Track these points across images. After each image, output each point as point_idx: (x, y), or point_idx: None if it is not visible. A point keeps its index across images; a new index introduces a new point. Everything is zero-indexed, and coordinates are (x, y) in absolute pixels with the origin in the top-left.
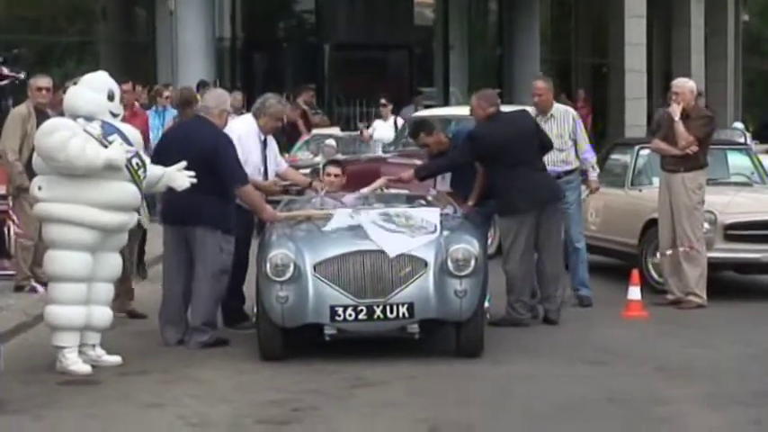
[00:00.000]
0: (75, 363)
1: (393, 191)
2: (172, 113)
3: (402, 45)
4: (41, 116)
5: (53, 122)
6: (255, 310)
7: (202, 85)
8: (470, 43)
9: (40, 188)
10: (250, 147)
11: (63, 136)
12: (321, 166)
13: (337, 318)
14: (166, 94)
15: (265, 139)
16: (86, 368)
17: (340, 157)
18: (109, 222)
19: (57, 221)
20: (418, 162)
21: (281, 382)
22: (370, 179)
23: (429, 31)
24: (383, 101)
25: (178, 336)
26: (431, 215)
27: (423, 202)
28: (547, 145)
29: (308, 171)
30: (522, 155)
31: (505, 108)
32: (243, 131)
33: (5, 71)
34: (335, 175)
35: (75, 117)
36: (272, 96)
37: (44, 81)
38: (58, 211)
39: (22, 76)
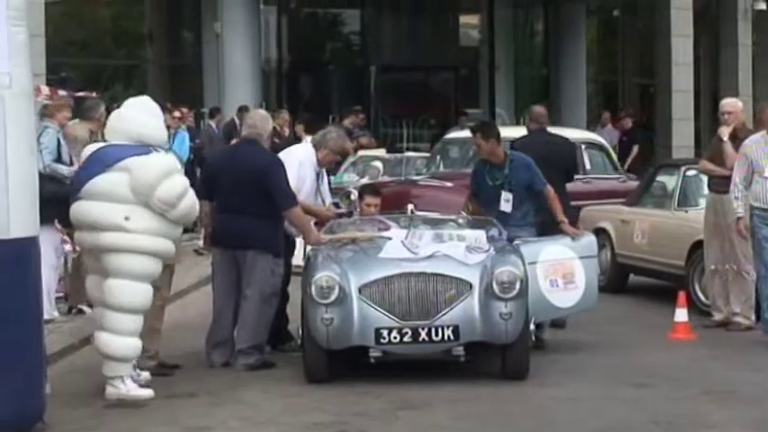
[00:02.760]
0: (135, 389)
1: (427, 213)
2: (182, 136)
3: (448, 66)
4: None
5: (166, 161)
6: (301, 332)
7: (244, 110)
8: (516, 64)
9: (127, 218)
10: (305, 176)
11: (184, 182)
12: (357, 193)
13: (382, 340)
14: (176, 114)
15: (319, 172)
16: (149, 392)
17: (369, 180)
18: (173, 255)
19: (140, 253)
20: (449, 185)
21: (327, 404)
22: (402, 202)
23: (475, 51)
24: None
25: (224, 358)
26: (480, 236)
27: (468, 224)
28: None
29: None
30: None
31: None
32: (303, 159)
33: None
34: (375, 206)
35: (139, 144)
36: (334, 130)
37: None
38: (145, 244)
39: (94, 94)
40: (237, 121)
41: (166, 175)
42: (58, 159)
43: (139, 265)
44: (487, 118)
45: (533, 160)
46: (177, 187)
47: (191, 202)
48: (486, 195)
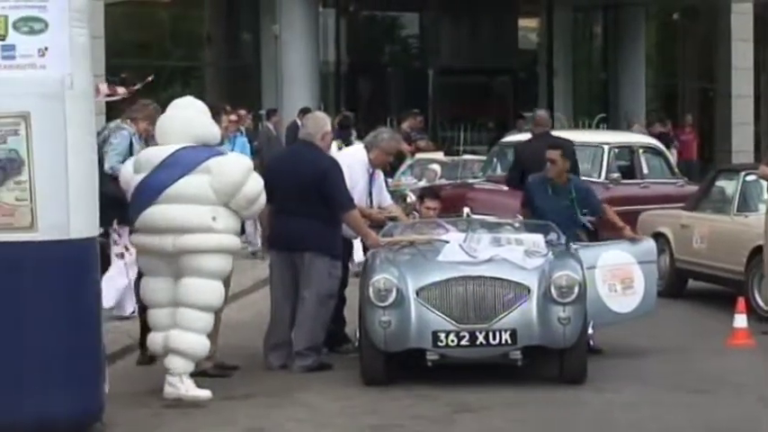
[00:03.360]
0: (194, 388)
1: (484, 217)
2: (242, 141)
3: (506, 69)
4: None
5: (246, 160)
6: (358, 334)
7: (304, 112)
8: (575, 67)
9: (214, 218)
10: (357, 178)
11: (261, 180)
12: (413, 196)
13: (439, 343)
14: (233, 117)
15: (373, 172)
16: (207, 393)
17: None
18: None
19: (221, 252)
20: (505, 188)
21: (384, 406)
22: (458, 205)
23: (533, 55)
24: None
25: (282, 360)
26: (538, 240)
27: (526, 227)
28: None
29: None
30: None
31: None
32: (351, 161)
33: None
34: (434, 209)
35: (201, 144)
36: (386, 131)
37: None
38: (227, 243)
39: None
40: (300, 123)
41: (249, 173)
42: None
43: (219, 265)
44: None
45: (535, 161)
46: (259, 184)
47: (263, 200)
48: (553, 214)
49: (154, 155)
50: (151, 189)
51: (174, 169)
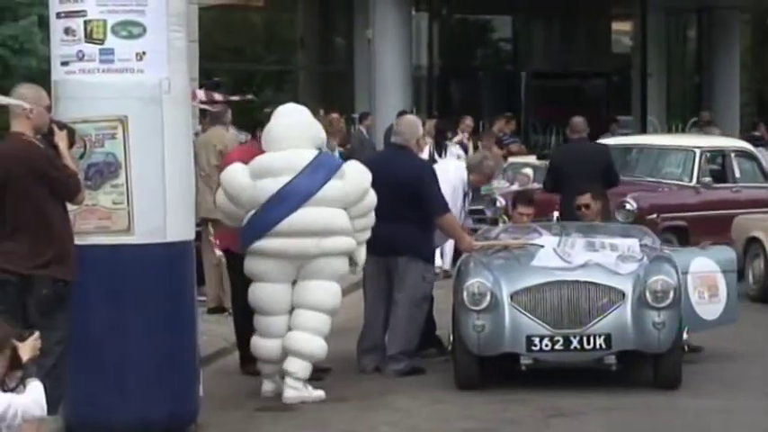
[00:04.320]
0: (313, 390)
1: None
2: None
3: (599, 73)
4: None
5: (366, 168)
6: (451, 338)
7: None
8: (669, 71)
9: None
10: (457, 196)
11: None
12: (503, 200)
13: (533, 348)
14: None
15: (467, 193)
16: (323, 393)
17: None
18: None
19: (346, 255)
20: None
21: (477, 411)
22: (549, 209)
23: (627, 58)
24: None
25: (375, 363)
26: (633, 245)
27: (621, 231)
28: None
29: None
30: (575, 181)
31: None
32: (455, 179)
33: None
34: (528, 215)
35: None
36: (491, 157)
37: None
38: (353, 247)
39: (250, 96)
40: None
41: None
42: None
43: (343, 267)
44: (638, 125)
45: (568, 167)
46: (375, 194)
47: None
48: None
49: (279, 161)
50: (298, 194)
51: (317, 174)
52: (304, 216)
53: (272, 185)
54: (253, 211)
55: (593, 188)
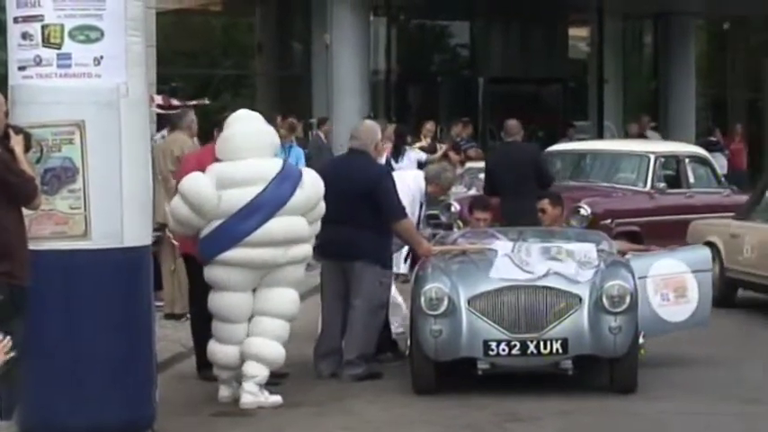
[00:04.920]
0: (270, 395)
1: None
2: (298, 153)
3: (556, 79)
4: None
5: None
6: (408, 343)
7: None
8: (625, 77)
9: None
10: (415, 205)
11: None
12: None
13: (490, 352)
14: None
15: (423, 203)
16: (279, 398)
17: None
18: None
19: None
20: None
21: (434, 416)
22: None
23: (583, 64)
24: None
25: (332, 368)
26: (589, 250)
27: (578, 236)
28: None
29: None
30: (506, 183)
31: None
32: (414, 188)
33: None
34: (484, 220)
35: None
36: (450, 169)
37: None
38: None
39: (206, 101)
40: None
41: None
42: None
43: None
44: (595, 130)
45: (500, 169)
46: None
47: None
48: None
49: (245, 171)
50: (269, 204)
51: (285, 183)
52: (275, 226)
53: (241, 196)
54: (218, 222)
55: (551, 194)
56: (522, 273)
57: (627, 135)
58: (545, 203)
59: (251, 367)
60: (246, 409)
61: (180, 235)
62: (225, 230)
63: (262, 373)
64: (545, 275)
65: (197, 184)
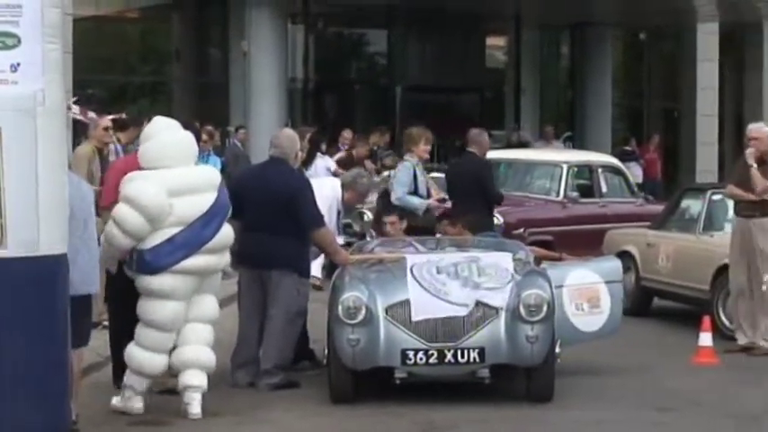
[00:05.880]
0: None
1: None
2: (215, 161)
3: (473, 88)
4: (101, 156)
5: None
6: (326, 352)
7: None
8: (542, 86)
9: None
10: (333, 213)
11: None
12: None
13: (408, 361)
14: (204, 137)
15: (340, 212)
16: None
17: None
18: None
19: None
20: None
21: (352, 424)
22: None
23: (501, 74)
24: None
25: (249, 377)
26: (504, 261)
27: (495, 245)
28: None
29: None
30: (457, 194)
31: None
32: (331, 196)
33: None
34: (392, 223)
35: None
36: (366, 176)
37: (108, 121)
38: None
39: (123, 115)
40: None
41: None
42: (415, 192)
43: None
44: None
45: (454, 179)
46: None
47: None
48: None
49: (196, 178)
50: (223, 210)
51: (224, 188)
52: (225, 232)
53: (198, 203)
54: (174, 230)
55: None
56: (446, 305)
57: (508, 143)
58: (445, 225)
59: (194, 377)
60: (163, 419)
61: (123, 248)
62: (187, 238)
63: (204, 381)
64: (469, 306)
65: (149, 192)
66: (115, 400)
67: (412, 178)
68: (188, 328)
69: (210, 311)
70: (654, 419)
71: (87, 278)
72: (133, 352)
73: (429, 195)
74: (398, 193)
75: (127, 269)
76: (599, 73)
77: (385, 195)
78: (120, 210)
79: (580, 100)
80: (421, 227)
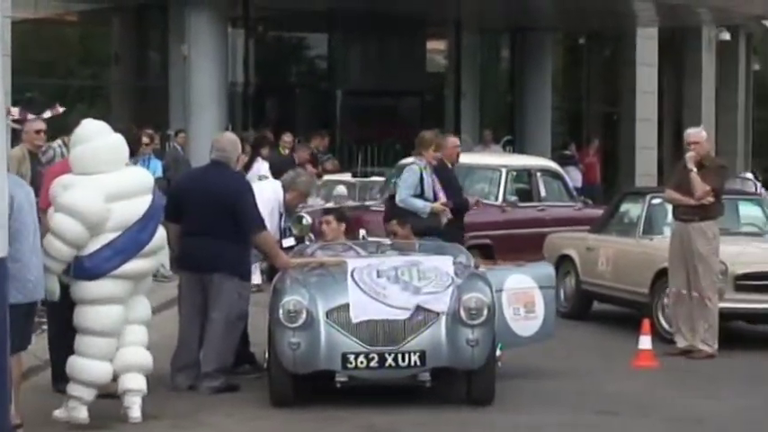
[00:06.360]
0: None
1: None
2: (155, 164)
3: (414, 92)
4: (34, 159)
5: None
6: (267, 355)
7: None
8: (482, 90)
9: None
10: (275, 216)
11: None
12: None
13: (349, 365)
14: (145, 140)
15: (282, 213)
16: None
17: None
18: None
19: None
20: None
21: (293, 428)
22: (355, 228)
23: (441, 77)
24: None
25: (189, 381)
26: (445, 265)
27: (436, 249)
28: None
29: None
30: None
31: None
32: (272, 198)
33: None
34: (327, 222)
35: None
36: (305, 174)
37: (42, 124)
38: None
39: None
40: None
41: None
42: (420, 195)
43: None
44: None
45: None
46: None
47: None
48: None
49: (130, 181)
50: (158, 213)
51: (156, 190)
52: (159, 235)
53: (135, 207)
54: (113, 235)
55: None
56: (386, 309)
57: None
58: (393, 225)
59: (134, 380)
60: (103, 423)
61: (64, 259)
62: (126, 243)
63: (143, 384)
64: (409, 310)
65: (89, 199)
66: (58, 412)
67: (418, 181)
68: (126, 330)
69: (146, 313)
70: (594, 423)
71: (39, 284)
72: (77, 363)
73: (436, 199)
74: (402, 195)
75: (63, 276)
76: (539, 77)
77: (391, 198)
78: (59, 220)
79: (520, 104)
80: (424, 229)
